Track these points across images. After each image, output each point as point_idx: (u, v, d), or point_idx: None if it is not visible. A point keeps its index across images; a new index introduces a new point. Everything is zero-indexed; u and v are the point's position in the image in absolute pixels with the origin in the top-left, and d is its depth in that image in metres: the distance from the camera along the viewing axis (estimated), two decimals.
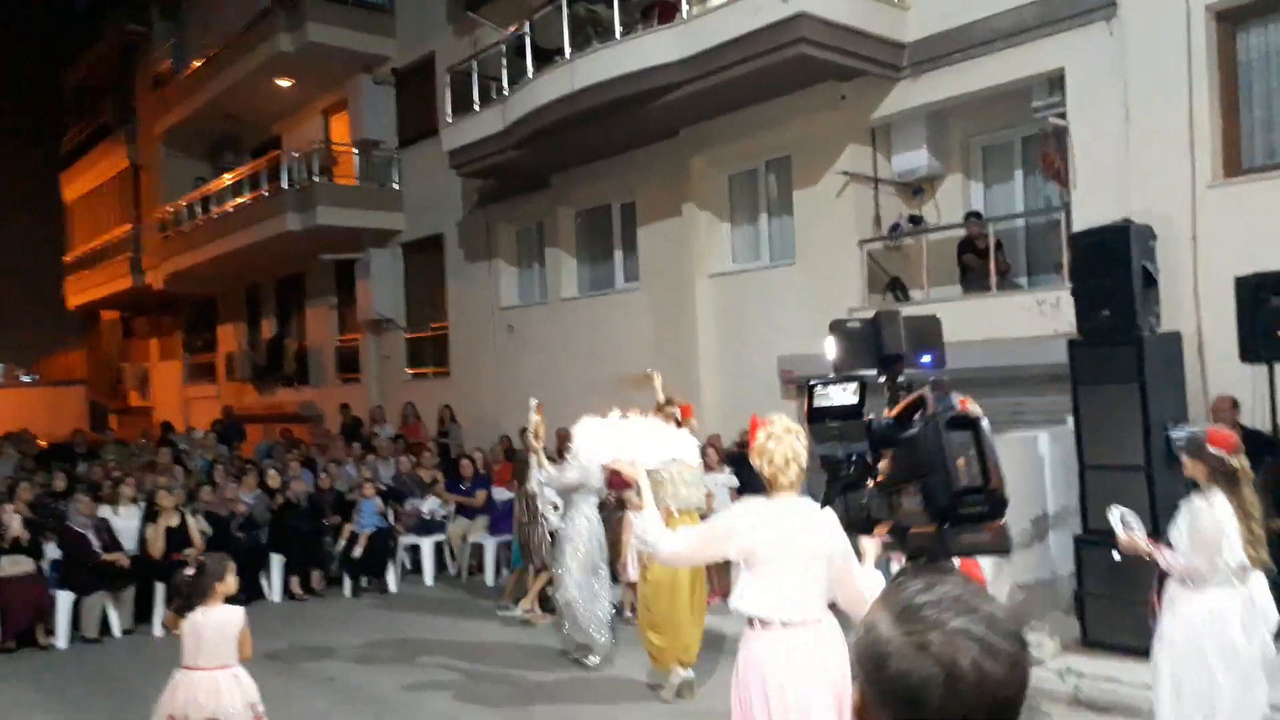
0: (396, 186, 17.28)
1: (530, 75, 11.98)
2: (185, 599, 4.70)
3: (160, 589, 9.20)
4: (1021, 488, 6.98)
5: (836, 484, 2.72)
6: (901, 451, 2.35)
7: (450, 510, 11.32)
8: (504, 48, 13.03)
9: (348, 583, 10.63)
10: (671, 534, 3.66)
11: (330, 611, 9.95)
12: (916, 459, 2.26)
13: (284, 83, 18.26)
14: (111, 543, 9.28)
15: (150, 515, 9.40)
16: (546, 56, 12.07)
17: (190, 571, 4.80)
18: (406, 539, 11.14)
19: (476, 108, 13.36)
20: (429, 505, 11.28)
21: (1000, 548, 2.56)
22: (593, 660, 7.58)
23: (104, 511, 9.51)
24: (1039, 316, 8.96)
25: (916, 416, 2.32)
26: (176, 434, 16.49)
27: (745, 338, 11.59)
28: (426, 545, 11.04)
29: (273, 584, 10.40)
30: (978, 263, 9.78)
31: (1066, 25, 8.89)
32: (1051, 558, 7.41)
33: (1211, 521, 4.50)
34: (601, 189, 13.64)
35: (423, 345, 17.20)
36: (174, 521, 9.31)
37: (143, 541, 9.38)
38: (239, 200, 18.42)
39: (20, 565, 8.90)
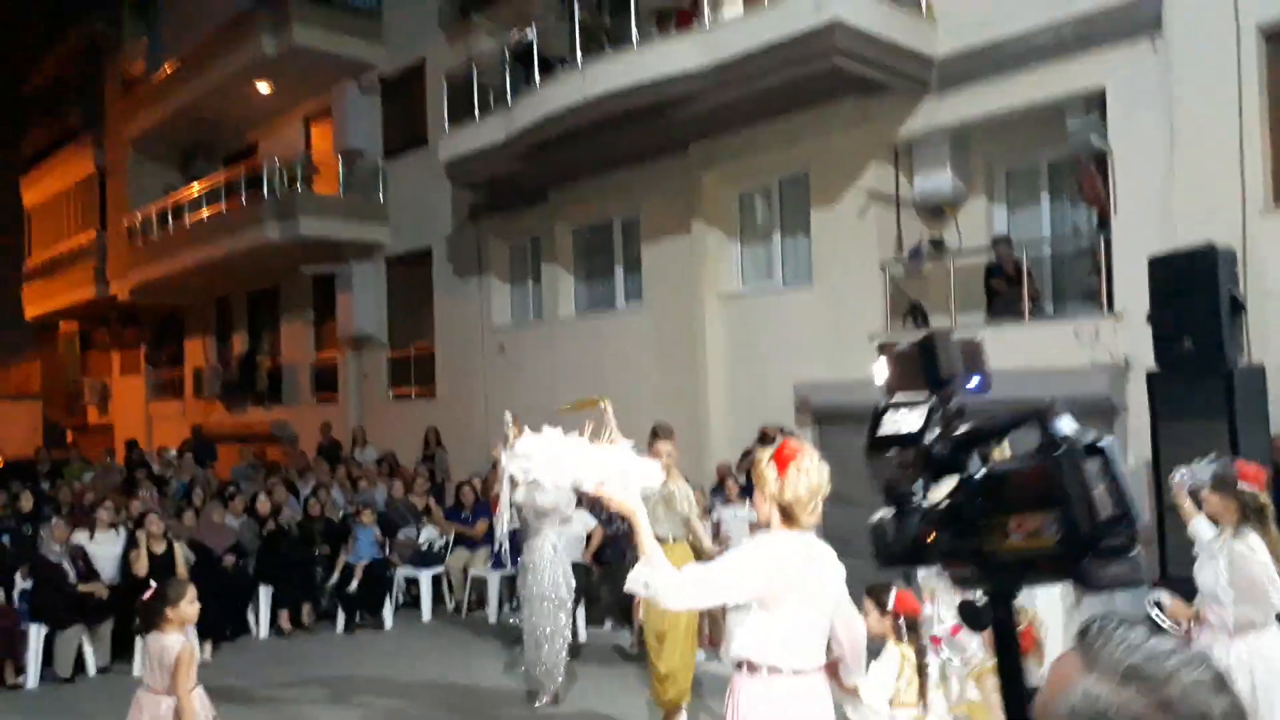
0: (381, 198, 16.67)
1: (537, 83, 11.50)
2: (140, 623, 4.76)
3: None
4: None
5: (911, 516, 2.37)
6: (1006, 482, 2.06)
7: (449, 541, 10.64)
8: (506, 54, 12.53)
9: (340, 617, 9.90)
10: (677, 579, 3.12)
11: (323, 649, 9.24)
12: (1045, 489, 2.00)
13: (264, 87, 17.61)
14: (88, 572, 8.56)
15: (133, 542, 8.65)
16: (547, 65, 11.61)
17: (149, 596, 4.76)
18: (403, 571, 10.42)
19: (476, 116, 12.83)
20: (426, 535, 10.60)
21: (1139, 578, 2.26)
22: (542, 700, 7.08)
23: (79, 538, 8.78)
24: (1075, 346, 8.64)
25: (1035, 448, 2.05)
26: (146, 453, 15.64)
27: (757, 362, 11.13)
28: (424, 578, 10.35)
29: (260, 618, 9.66)
30: (1006, 289, 9.44)
31: (1108, 43, 8.59)
32: (1115, 604, 7.00)
33: (1260, 566, 4.42)
34: (603, 205, 13.16)
35: (406, 364, 16.54)
36: (160, 548, 8.57)
37: (123, 570, 8.64)
38: (215, 208, 17.67)
39: None
